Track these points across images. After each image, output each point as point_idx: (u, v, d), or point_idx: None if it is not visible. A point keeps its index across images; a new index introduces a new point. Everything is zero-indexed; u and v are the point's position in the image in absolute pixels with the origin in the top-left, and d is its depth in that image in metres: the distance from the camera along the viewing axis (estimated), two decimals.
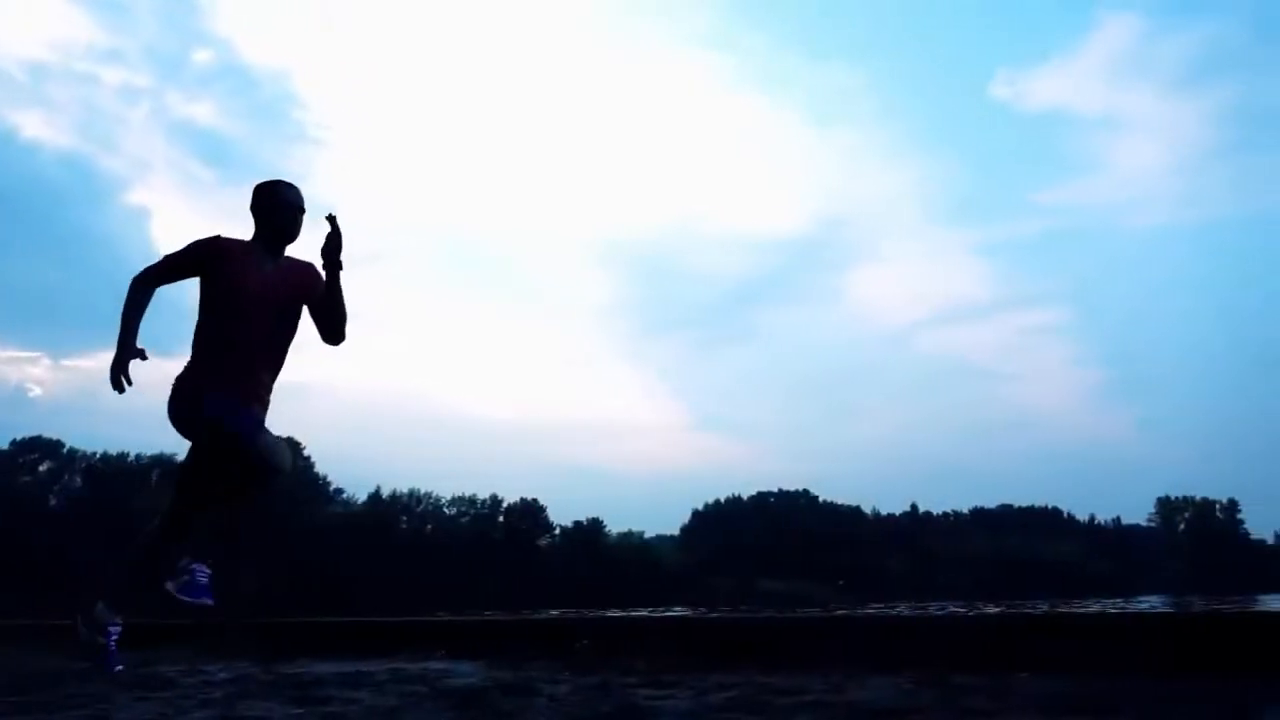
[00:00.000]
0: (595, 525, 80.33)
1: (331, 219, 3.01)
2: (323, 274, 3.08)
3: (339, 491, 73.25)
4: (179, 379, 2.98)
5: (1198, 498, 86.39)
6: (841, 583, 74.67)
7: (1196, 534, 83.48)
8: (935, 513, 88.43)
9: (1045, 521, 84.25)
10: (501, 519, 78.45)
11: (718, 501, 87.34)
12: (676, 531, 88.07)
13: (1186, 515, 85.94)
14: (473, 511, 78.86)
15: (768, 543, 78.32)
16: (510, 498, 79.67)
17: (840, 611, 3.07)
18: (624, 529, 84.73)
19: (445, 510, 78.69)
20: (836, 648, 2.44)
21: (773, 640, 2.48)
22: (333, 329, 3.11)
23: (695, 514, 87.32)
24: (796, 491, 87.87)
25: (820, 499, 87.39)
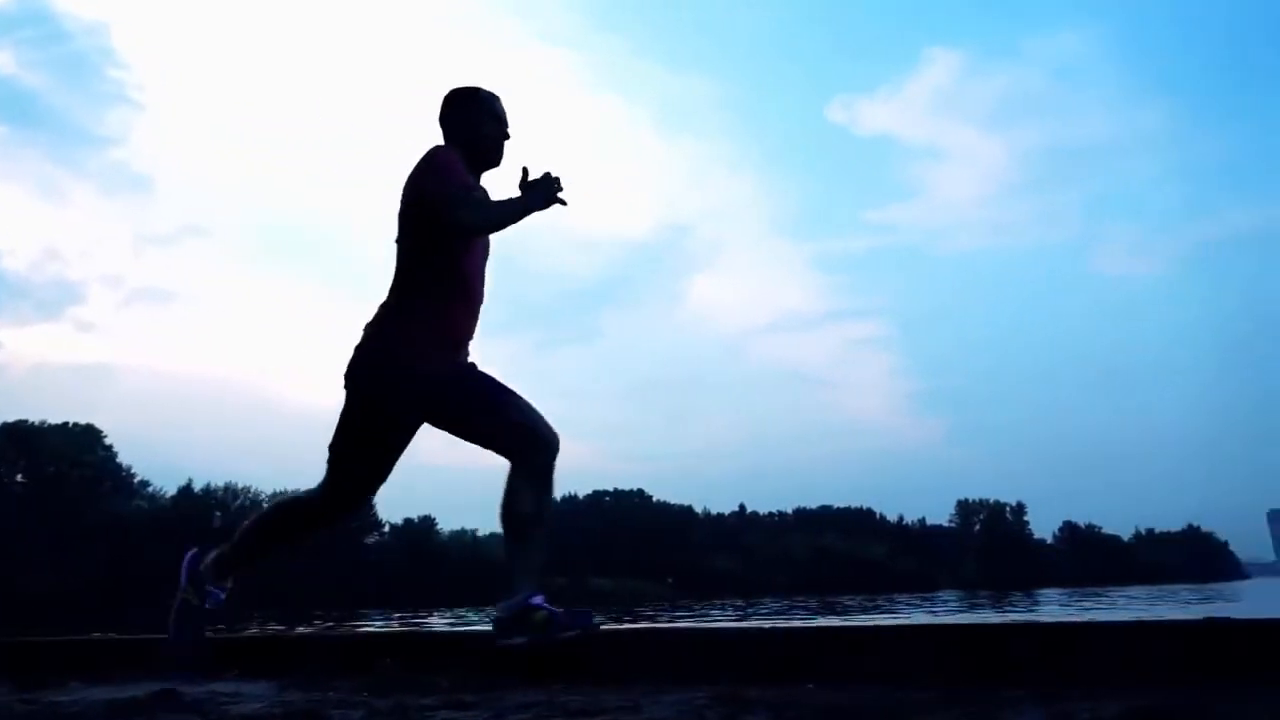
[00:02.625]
0: (426, 522, 78.41)
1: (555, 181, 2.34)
2: None
3: (144, 484, 67.88)
4: (400, 324, 2.30)
5: (991, 500, 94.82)
6: (671, 580, 76.61)
7: (989, 534, 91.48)
8: (761, 513, 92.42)
9: (860, 521, 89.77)
10: None
11: (554, 499, 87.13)
12: None
13: (981, 517, 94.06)
14: None
15: (602, 541, 79.12)
16: None
17: (647, 625, 3.13)
18: (456, 527, 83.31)
19: (265, 505, 74.40)
20: (644, 662, 2.48)
21: (579, 654, 2.49)
22: None
23: None
24: (631, 491, 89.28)
25: (654, 499, 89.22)
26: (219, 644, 2.93)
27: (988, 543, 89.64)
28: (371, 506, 77.22)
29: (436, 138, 2.42)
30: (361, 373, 2.32)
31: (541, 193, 2.22)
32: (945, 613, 15.34)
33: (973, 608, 17.12)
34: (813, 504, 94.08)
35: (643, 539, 79.03)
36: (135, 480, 66.92)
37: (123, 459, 65.37)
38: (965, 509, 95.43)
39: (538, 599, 2.24)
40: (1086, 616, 10.61)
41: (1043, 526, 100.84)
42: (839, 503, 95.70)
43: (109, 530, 55.60)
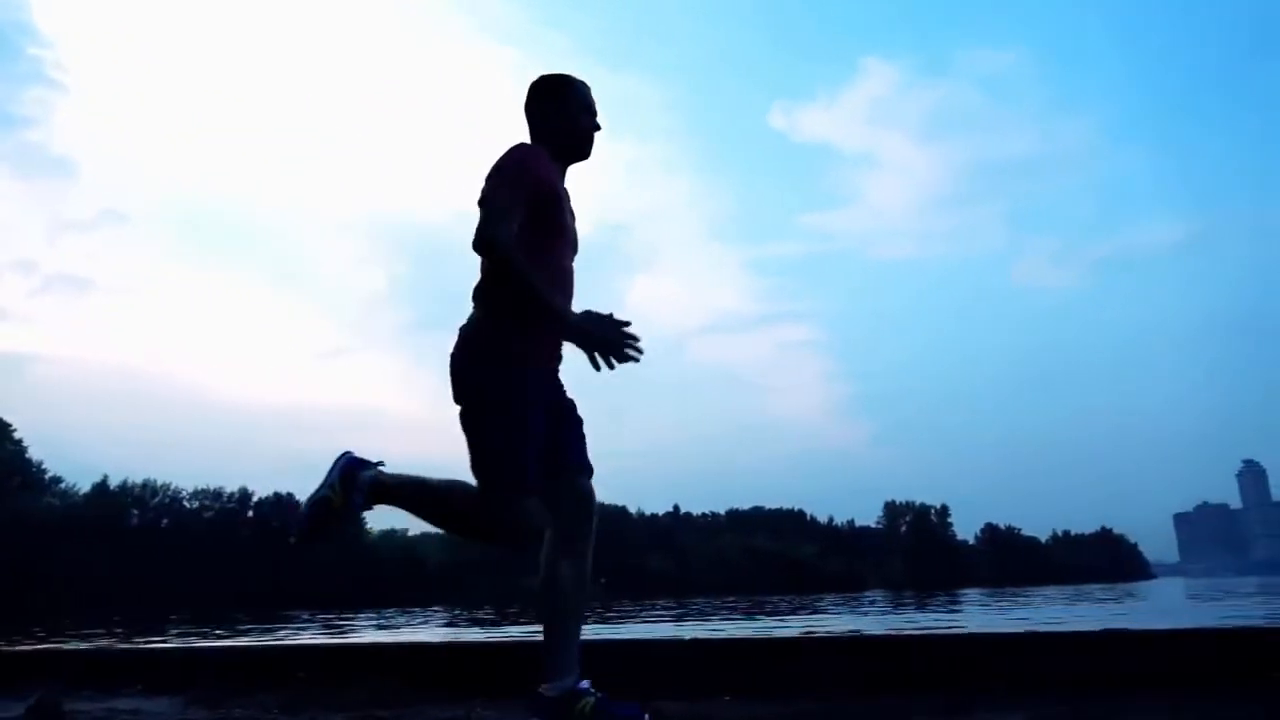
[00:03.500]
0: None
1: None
2: None
3: (56, 480, 65.10)
4: (507, 323, 2.07)
5: (917, 503, 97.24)
6: (604, 580, 76.60)
7: (915, 535, 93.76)
8: (695, 513, 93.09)
9: (791, 522, 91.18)
10: (251, 514, 73.06)
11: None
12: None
13: (908, 518, 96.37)
14: (218, 505, 72.80)
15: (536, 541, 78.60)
16: (262, 491, 74.57)
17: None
18: (386, 527, 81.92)
19: (186, 503, 72.03)
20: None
21: (490, 666, 2.46)
22: None
23: None
24: None
25: None
26: (118, 657, 2.82)
27: (913, 544, 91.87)
28: (297, 505, 75.18)
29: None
30: (455, 372, 2.13)
31: (597, 334, 1.99)
32: (872, 614, 15.66)
33: (898, 608, 17.50)
34: (745, 505, 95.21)
35: None
36: (47, 476, 64.13)
37: (33, 454, 62.68)
38: (892, 510, 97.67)
39: (585, 684, 2.08)
40: (1006, 618, 10.94)
41: (966, 528, 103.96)
42: (771, 504, 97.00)
43: (16, 528, 53.08)
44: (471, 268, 2.16)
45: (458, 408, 2.10)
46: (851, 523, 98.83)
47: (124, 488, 68.70)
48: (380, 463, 2.17)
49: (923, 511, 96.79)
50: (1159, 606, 15.34)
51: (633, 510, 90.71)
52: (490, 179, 2.08)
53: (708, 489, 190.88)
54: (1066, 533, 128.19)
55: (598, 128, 2.30)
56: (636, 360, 2.02)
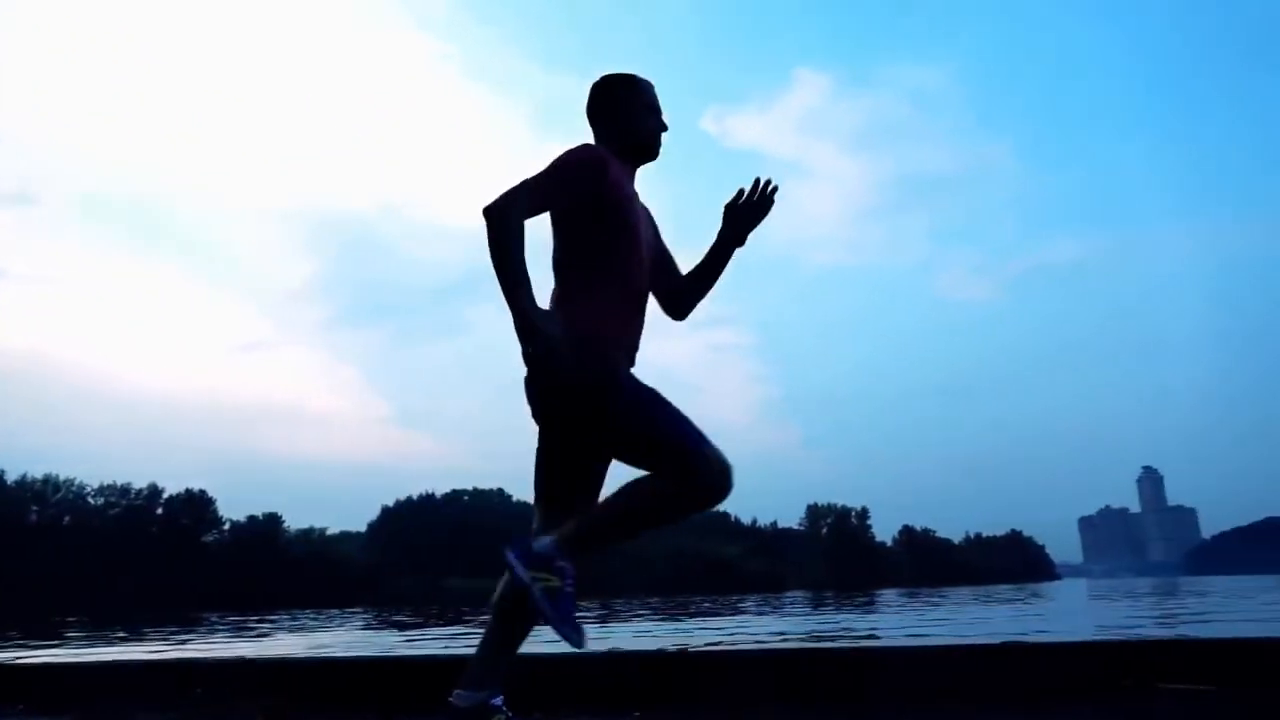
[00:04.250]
0: (272, 520, 74.74)
1: (769, 188, 2.25)
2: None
3: None
4: (578, 328, 1.98)
5: (839, 505, 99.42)
6: None
7: (836, 536, 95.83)
8: None
9: (716, 523, 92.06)
10: (160, 511, 70.27)
11: (410, 498, 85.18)
12: (363, 528, 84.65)
13: (829, 520, 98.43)
14: (124, 503, 69.85)
15: (458, 541, 77.66)
16: (173, 488, 71.87)
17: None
18: (305, 525, 79.85)
19: (90, 500, 68.91)
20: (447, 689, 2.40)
21: (394, 680, 2.42)
22: (692, 301, 2.34)
23: (385, 510, 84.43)
24: (491, 490, 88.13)
25: (514, 498, 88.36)
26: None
27: (834, 545, 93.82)
28: (210, 502, 72.76)
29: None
30: (536, 385, 2.02)
31: (521, 340, 1.91)
32: (792, 616, 15.91)
33: (817, 609, 17.83)
34: None
35: (501, 538, 77.98)
36: None
37: None
38: (815, 513, 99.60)
39: (499, 700, 1.99)
40: (920, 619, 11.23)
41: (884, 530, 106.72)
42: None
43: None
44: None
45: (567, 430, 2.03)
46: (775, 524, 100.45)
47: (23, 483, 65.35)
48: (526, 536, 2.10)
49: (844, 514, 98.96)
50: (1063, 606, 15.97)
51: None
52: (548, 165, 2.02)
53: None
54: (979, 535, 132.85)
55: (664, 127, 2.24)
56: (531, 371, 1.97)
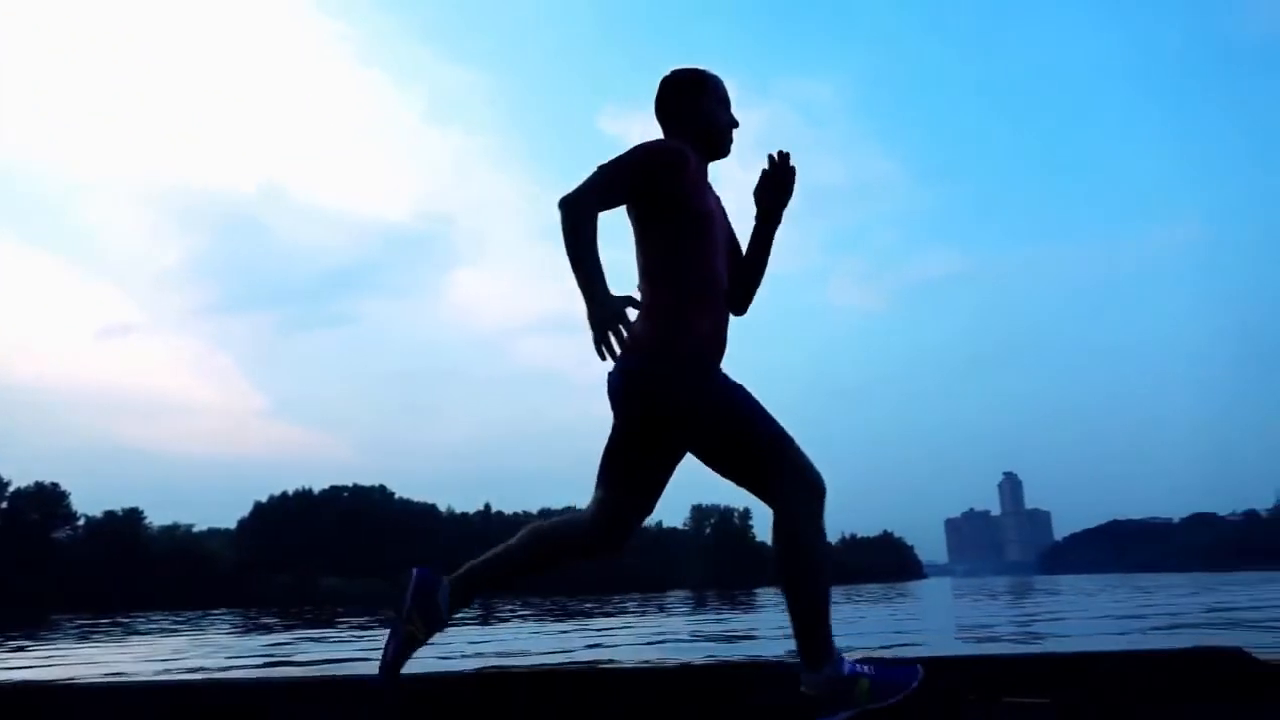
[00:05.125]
0: (133, 516, 70.39)
1: (785, 157, 2.19)
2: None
3: None
4: (668, 326, 1.94)
5: (722, 506, 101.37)
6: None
7: (719, 536, 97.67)
8: (507, 512, 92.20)
9: None
10: (5, 505, 65.05)
11: (285, 494, 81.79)
12: (233, 525, 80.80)
13: (713, 520, 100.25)
14: None
15: (336, 539, 75.10)
16: (20, 481, 66.68)
17: (324, 675, 2.99)
18: (169, 521, 75.63)
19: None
20: (317, 714, 2.29)
21: (214, 706, 2.26)
22: (748, 293, 2.26)
23: (257, 506, 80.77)
24: (372, 487, 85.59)
25: (396, 496, 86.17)
26: None
27: (717, 545, 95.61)
28: (63, 496, 67.82)
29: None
30: (626, 382, 1.97)
31: (592, 321, 1.82)
32: (674, 616, 16.12)
33: (698, 609, 18.12)
34: (559, 504, 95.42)
35: (382, 537, 75.99)
36: None
37: None
38: (699, 513, 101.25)
39: (849, 666, 1.87)
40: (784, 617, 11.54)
41: (765, 531, 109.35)
42: (583, 502, 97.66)
43: None
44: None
45: (650, 432, 1.99)
46: (660, 524, 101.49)
47: None
48: (442, 575, 2.09)
49: (727, 514, 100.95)
50: (927, 605, 16.75)
51: (442, 508, 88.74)
52: (618, 156, 1.98)
53: (522, 487, 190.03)
54: (854, 535, 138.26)
55: (736, 124, 2.19)
56: (601, 359, 1.85)
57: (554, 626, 11.83)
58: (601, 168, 1.95)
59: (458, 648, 8.05)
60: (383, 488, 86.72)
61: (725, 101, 2.19)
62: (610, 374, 1.99)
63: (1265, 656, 2.02)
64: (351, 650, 8.19)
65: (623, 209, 2.04)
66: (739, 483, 2.01)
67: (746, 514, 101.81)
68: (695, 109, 2.15)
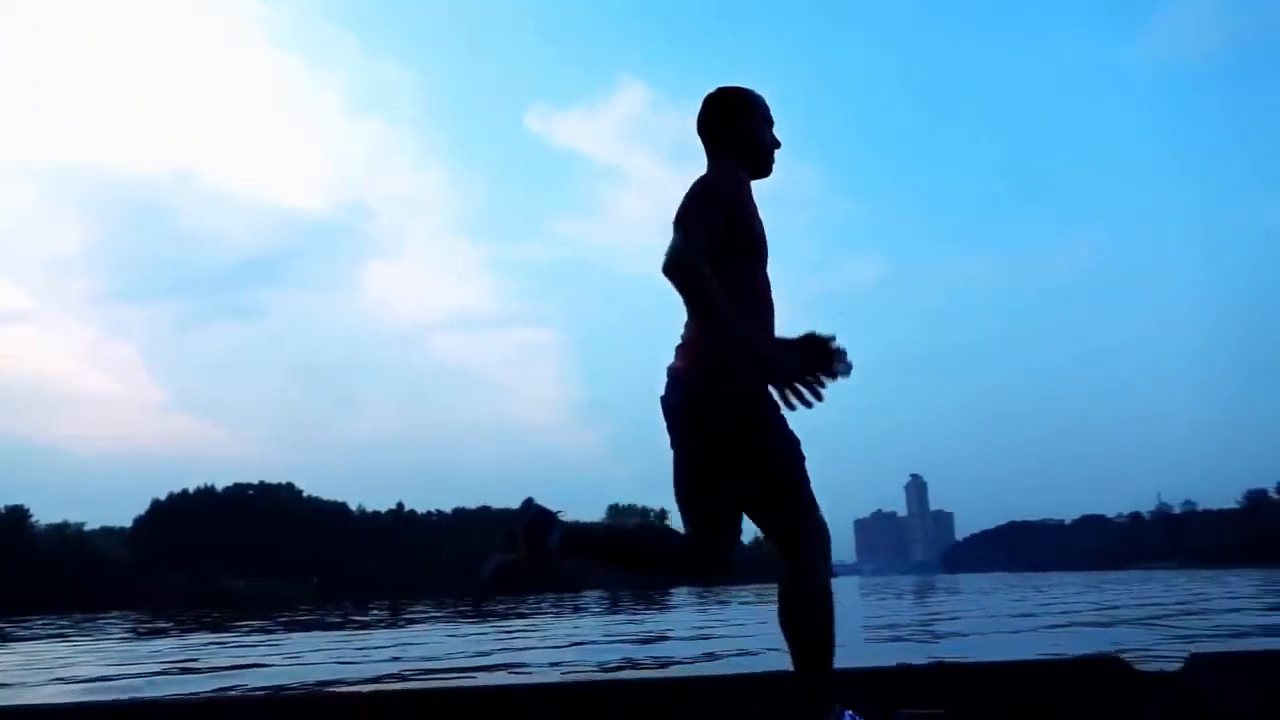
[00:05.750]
0: (17, 514, 66.60)
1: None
2: None
3: None
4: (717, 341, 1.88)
5: (640, 506, 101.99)
6: (316, 581, 72.24)
7: None
8: (420, 511, 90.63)
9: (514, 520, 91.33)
10: None
11: (185, 492, 78.55)
12: (128, 524, 77.17)
13: (631, 520, 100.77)
14: None
15: (239, 538, 72.51)
16: None
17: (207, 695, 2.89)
18: (57, 519, 71.76)
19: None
20: None
21: None
22: None
23: (154, 504, 77.35)
24: (279, 484, 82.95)
25: (305, 493, 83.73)
26: None
27: None
28: None
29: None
30: (692, 398, 1.96)
31: (781, 370, 1.83)
32: (589, 616, 16.09)
33: (611, 610, 18.17)
34: (472, 504, 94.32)
35: (289, 537, 73.74)
36: None
37: None
38: (616, 513, 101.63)
39: (848, 716, 1.87)
40: (708, 620, 11.72)
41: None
42: (499, 504, 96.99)
43: None
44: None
45: (694, 452, 1.99)
46: (577, 523, 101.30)
47: None
48: (560, 512, 2.06)
49: (644, 514, 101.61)
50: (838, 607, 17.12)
51: (353, 507, 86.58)
52: (689, 199, 1.95)
53: (435, 487, 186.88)
54: (758, 536, 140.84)
55: (779, 144, 2.17)
56: (813, 403, 1.84)
57: (468, 629, 11.68)
58: (688, 219, 1.92)
59: (373, 653, 7.89)
60: (290, 485, 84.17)
61: (770, 121, 2.18)
62: (673, 396, 2.00)
63: (1141, 664, 2.17)
64: (256, 655, 7.93)
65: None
66: (753, 515, 2.02)
67: (664, 514, 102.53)
68: (743, 129, 2.13)
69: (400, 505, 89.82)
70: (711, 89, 2.20)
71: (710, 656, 6.40)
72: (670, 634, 9.46)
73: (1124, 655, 2.23)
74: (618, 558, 2.11)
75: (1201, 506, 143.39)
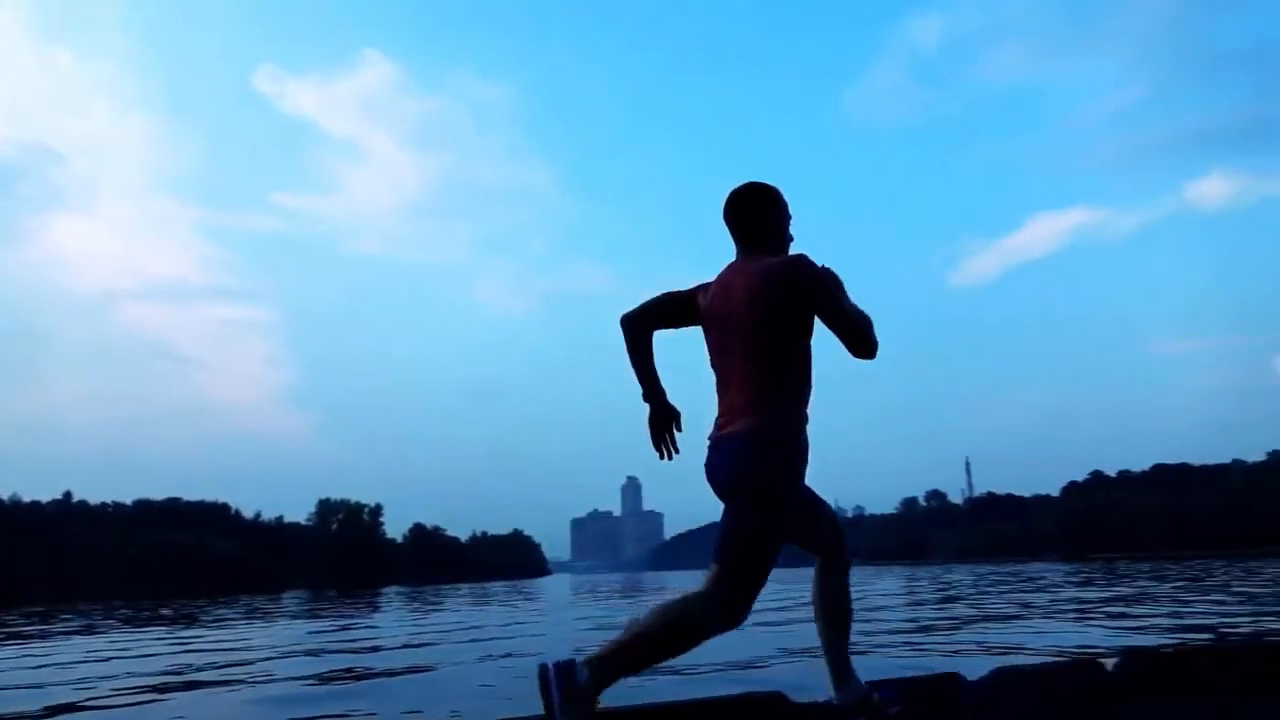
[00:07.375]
0: None
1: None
2: None
3: None
4: (784, 423, 2.19)
5: (352, 501, 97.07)
6: None
7: (347, 533, 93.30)
8: (93, 502, 79.80)
9: (211, 517, 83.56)
10: None
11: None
12: None
13: (340, 516, 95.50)
14: None
15: None
16: None
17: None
18: None
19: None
20: None
21: None
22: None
23: None
24: None
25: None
26: None
27: (343, 542, 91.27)
28: None
29: None
30: (762, 473, 2.15)
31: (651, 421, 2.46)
32: (290, 617, 15.20)
33: (311, 615, 17.29)
34: (160, 495, 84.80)
35: None
36: None
37: None
38: (326, 508, 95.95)
39: (863, 683, 2.39)
40: (417, 623, 11.52)
41: (396, 528, 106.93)
42: (191, 495, 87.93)
43: None
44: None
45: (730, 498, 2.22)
46: (281, 518, 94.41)
47: None
48: (572, 659, 2.00)
49: (356, 510, 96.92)
50: (551, 606, 17.60)
51: (5, 497, 74.25)
52: (827, 290, 2.14)
53: (115, 474, 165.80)
54: (485, 533, 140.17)
55: (792, 237, 2.39)
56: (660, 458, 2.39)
57: (130, 638, 10.58)
58: (854, 309, 2.18)
59: (61, 674, 6.99)
60: None
61: (790, 216, 2.41)
62: (733, 467, 2.20)
63: (800, 696, 2.43)
64: None
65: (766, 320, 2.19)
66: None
67: (378, 510, 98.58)
68: (777, 225, 2.35)
69: (68, 495, 78.53)
70: (741, 184, 2.37)
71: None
72: (378, 639, 9.24)
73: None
74: (654, 657, 2.13)
75: (869, 511, 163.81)
